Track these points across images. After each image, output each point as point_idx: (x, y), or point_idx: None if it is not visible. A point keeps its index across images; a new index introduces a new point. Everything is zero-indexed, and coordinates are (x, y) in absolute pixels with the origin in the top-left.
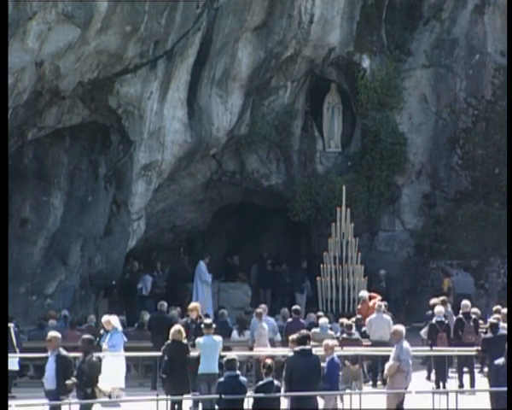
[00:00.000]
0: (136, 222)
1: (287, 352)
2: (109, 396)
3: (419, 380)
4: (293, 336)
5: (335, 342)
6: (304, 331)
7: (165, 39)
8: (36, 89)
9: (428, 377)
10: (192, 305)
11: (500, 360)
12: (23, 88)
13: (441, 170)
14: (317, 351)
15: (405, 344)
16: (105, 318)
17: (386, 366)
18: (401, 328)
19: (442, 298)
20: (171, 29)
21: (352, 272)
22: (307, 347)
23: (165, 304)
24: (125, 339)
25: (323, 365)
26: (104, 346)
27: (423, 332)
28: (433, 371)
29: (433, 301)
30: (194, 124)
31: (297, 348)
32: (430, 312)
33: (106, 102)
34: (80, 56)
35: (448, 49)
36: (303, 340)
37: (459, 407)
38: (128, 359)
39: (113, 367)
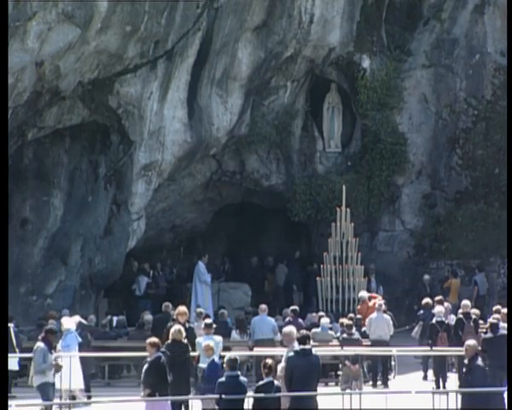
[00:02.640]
0: (136, 222)
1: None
2: (73, 397)
3: (418, 380)
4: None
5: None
6: (304, 331)
7: (165, 39)
8: (36, 89)
9: (425, 378)
10: (181, 309)
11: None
12: (23, 88)
13: (441, 170)
14: (318, 351)
15: (296, 345)
16: (63, 319)
17: (279, 367)
18: (292, 330)
19: (438, 297)
20: (171, 29)
21: (352, 272)
22: (307, 346)
23: (170, 305)
24: (80, 339)
25: (203, 366)
26: (58, 347)
27: (415, 332)
28: (432, 371)
29: (426, 300)
30: (194, 124)
31: (297, 348)
32: (422, 311)
33: (106, 102)
34: (80, 56)
35: (448, 49)
36: (303, 340)
37: (459, 407)
38: (128, 359)
39: (69, 368)
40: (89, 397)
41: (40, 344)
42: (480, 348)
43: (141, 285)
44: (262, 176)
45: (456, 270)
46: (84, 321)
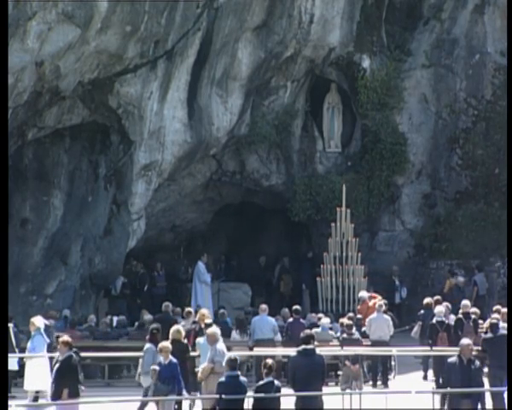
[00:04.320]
0: (136, 222)
1: (288, 352)
2: (36, 399)
3: (418, 380)
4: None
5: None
6: (308, 331)
7: (165, 39)
8: (36, 89)
9: (425, 377)
10: (202, 312)
11: (453, 359)
12: (23, 88)
13: (441, 170)
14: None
15: (220, 346)
16: (33, 318)
17: (200, 368)
18: (216, 331)
19: (436, 297)
20: (171, 29)
21: (352, 272)
22: (310, 346)
23: (170, 305)
24: (48, 340)
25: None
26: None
27: (414, 332)
28: (432, 371)
29: (427, 300)
30: (194, 124)
31: (300, 348)
32: (422, 311)
33: (106, 102)
34: (80, 56)
35: (448, 49)
36: (307, 340)
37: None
38: (128, 359)
39: (36, 370)
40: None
41: (148, 345)
42: (479, 347)
43: (117, 285)
44: (262, 176)
45: (453, 270)
46: (48, 322)
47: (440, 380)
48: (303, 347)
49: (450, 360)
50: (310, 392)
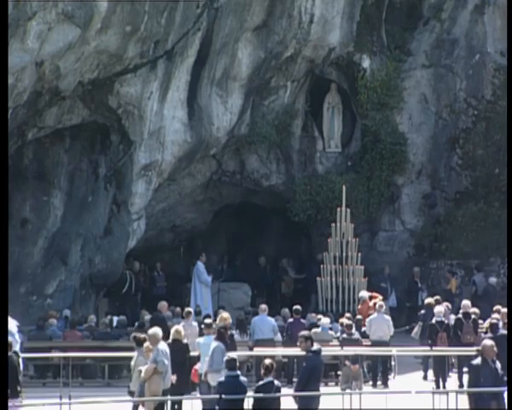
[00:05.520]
0: (136, 222)
1: (288, 352)
2: None
3: (418, 380)
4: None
5: None
6: (306, 332)
7: (165, 39)
8: (36, 89)
9: (425, 377)
10: (224, 315)
11: (477, 360)
12: (23, 88)
13: (441, 170)
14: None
15: (162, 346)
16: None
17: (143, 369)
18: (157, 331)
19: (436, 297)
20: (171, 29)
21: (352, 272)
22: (319, 347)
23: (166, 304)
24: (19, 340)
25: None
26: None
27: (414, 333)
28: (432, 371)
29: (428, 300)
30: (194, 124)
31: (314, 348)
32: (423, 311)
33: (106, 102)
34: (80, 56)
35: (448, 49)
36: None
37: (459, 407)
38: (128, 359)
39: None
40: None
41: (217, 343)
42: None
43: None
44: (262, 176)
45: (453, 270)
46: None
47: (465, 382)
48: (316, 347)
49: (474, 361)
50: (310, 392)
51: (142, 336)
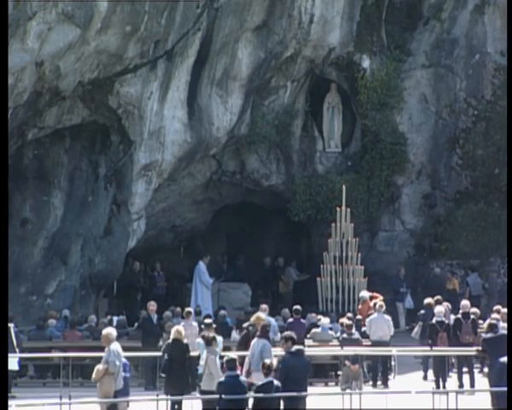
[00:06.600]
0: (136, 222)
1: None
2: None
3: (418, 380)
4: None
5: None
6: (288, 333)
7: (165, 39)
8: (36, 89)
9: (425, 378)
10: (259, 315)
11: (504, 359)
12: (23, 88)
13: (441, 170)
14: (318, 351)
15: (114, 346)
16: None
17: (95, 369)
18: (110, 331)
19: (437, 297)
20: (171, 29)
21: (352, 272)
22: (301, 347)
23: (155, 304)
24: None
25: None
26: None
27: (414, 333)
28: (432, 371)
29: (428, 300)
30: (194, 124)
31: (293, 349)
32: (423, 311)
33: (106, 102)
34: (80, 56)
35: (448, 49)
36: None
37: (459, 407)
38: (128, 359)
39: None
40: None
41: (264, 341)
42: (480, 347)
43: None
44: (262, 176)
45: (453, 270)
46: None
47: (491, 381)
48: (296, 347)
49: (502, 359)
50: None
51: (211, 335)
